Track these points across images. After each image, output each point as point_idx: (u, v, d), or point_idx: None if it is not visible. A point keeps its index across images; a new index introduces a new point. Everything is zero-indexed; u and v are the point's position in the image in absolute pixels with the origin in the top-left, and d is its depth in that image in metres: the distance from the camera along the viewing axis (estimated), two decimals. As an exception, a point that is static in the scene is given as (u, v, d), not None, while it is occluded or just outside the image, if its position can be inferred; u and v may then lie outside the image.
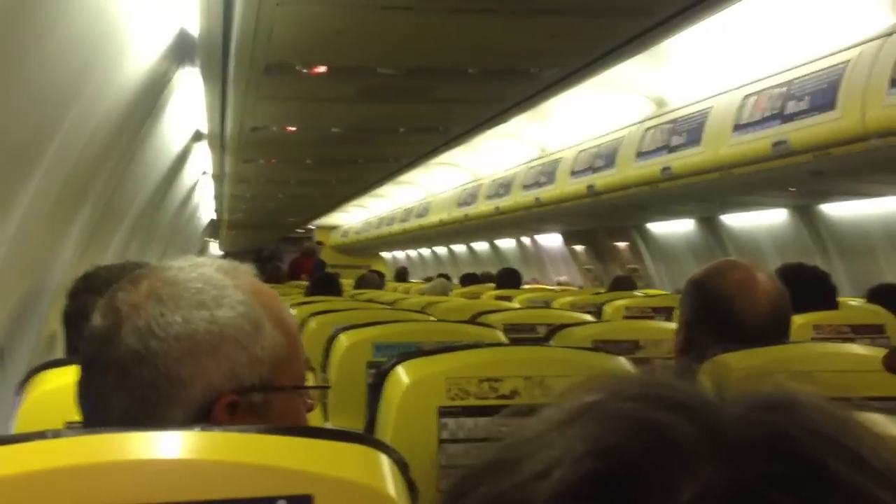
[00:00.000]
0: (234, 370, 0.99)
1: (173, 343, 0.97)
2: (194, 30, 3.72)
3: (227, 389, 0.99)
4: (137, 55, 3.32)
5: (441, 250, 15.38)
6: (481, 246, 13.18)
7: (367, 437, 0.97)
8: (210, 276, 1.02)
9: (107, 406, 0.98)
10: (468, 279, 8.19)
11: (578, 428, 0.36)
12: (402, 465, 0.91)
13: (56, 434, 0.85)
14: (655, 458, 0.34)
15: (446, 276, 9.92)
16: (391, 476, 0.88)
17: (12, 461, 0.80)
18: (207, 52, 3.96)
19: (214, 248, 21.67)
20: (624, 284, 6.33)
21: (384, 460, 0.89)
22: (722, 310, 1.75)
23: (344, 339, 2.34)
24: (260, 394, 1.01)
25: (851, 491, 0.33)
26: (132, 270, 1.07)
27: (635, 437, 0.35)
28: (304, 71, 4.33)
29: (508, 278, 6.93)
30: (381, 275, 8.33)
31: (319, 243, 12.80)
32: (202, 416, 0.97)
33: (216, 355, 0.98)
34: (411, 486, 0.90)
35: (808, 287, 3.06)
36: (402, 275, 11.44)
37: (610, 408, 0.37)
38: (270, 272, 8.79)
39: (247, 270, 1.09)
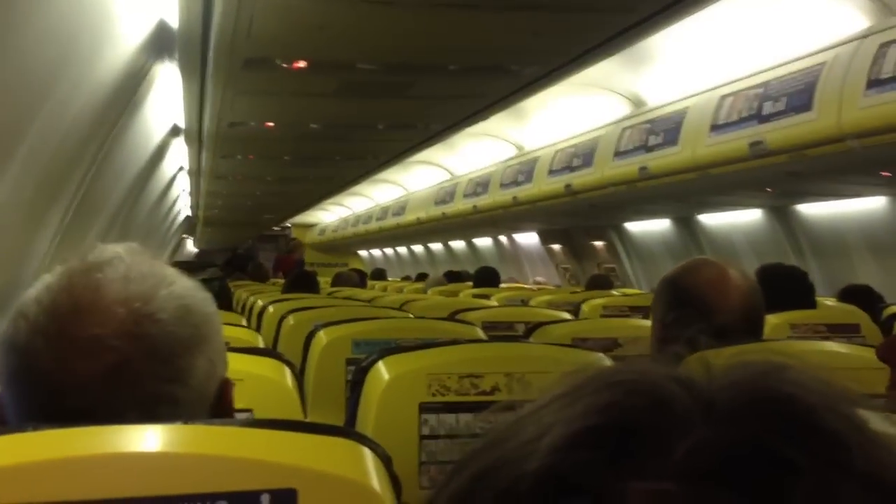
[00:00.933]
0: (224, 356, 1.00)
1: (196, 353, 0.93)
2: (173, 22, 3.69)
3: (224, 373, 0.99)
4: (115, 47, 3.30)
5: (418, 249, 15.38)
6: (459, 245, 13.20)
7: (351, 431, 0.97)
8: (154, 272, 0.95)
9: None
10: (451, 276, 8.16)
11: (574, 398, 0.36)
12: (385, 460, 0.91)
13: (37, 427, 0.84)
14: (653, 416, 0.34)
15: (425, 276, 9.94)
16: (375, 470, 0.87)
17: (-8, 454, 0.79)
18: (186, 44, 3.93)
19: (190, 245, 21.55)
20: (601, 283, 6.35)
21: (368, 454, 0.89)
22: (695, 307, 1.76)
23: (323, 336, 2.33)
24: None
25: (846, 442, 0.34)
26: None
27: (632, 397, 0.35)
28: (284, 66, 4.31)
29: (486, 277, 6.70)
30: (362, 273, 8.23)
31: (294, 240, 12.48)
32: (217, 408, 0.96)
33: (218, 350, 0.97)
34: (395, 481, 0.90)
35: (786, 287, 3.09)
36: (378, 275, 11.41)
37: (604, 381, 0.37)
38: (254, 271, 8.73)
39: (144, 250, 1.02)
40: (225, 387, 0.98)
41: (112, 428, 0.83)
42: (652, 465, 0.33)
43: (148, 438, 0.83)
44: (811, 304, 3.18)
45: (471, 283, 6.80)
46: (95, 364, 0.88)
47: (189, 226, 17.53)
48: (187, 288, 0.96)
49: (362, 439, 0.91)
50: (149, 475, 0.79)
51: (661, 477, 0.32)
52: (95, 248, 0.96)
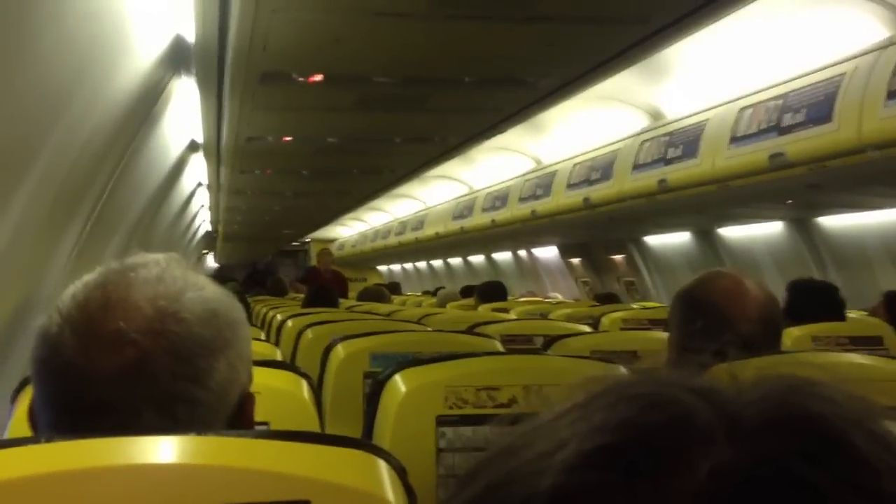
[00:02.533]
0: (249, 367, 1.00)
1: (218, 356, 0.94)
2: (190, 37, 3.71)
3: (248, 386, 0.99)
4: (132, 62, 3.32)
5: (437, 263, 15.37)
6: (478, 259, 13.18)
7: (365, 442, 0.96)
8: (187, 277, 0.97)
9: None
10: (467, 292, 8.12)
11: (590, 410, 0.35)
12: (400, 471, 0.89)
13: (49, 439, 0.84)
14: (671, 433, 0.33)
15: (436, 290, 9.93)
16: (390, 482, 0.86)
17: (6, 466, 0.78)
18: (203, 59, 3.95)
19: (210, 260, 21.66)
20: (609, 300, 6.34)
21: (383, 466, 0.88)
22: (712, 317, 1.74)
23: (340, 350, 2.32)
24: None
25: (875, 465, 0.32)
26: None
27: (650, 413, 0.34)
28: (300, 80, 4.32)
29: (491, 292, 6.21)
30: (391, 287, 8.14)
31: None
32: (236, 418, 0.96)
33: (241, 357, 0.97)
34: (410, 492, 0.89)
35: (817, 301, 3.08)
36: (394, 289, 11.41)
37: (622, 393, 0.35)
38: (273, 286, 8.73)
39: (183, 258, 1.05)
40: (247, 399, 0.98)
41: (126, 439, 0.82)
42: (668, 487, 0.31)
43: (162, 449, 0.82)
44: (841, 319, 3.17)
45: (467, 301, 6.46)
46: (116, 357, 0.89)
47: (209, 241, 17.62)
48: (217, 293, 0.98)
49: (377, 451, 0.90)
50: (163, 486, 0.79)
51: (678, 501, 0.31)
52: (137, 255, 0.99)
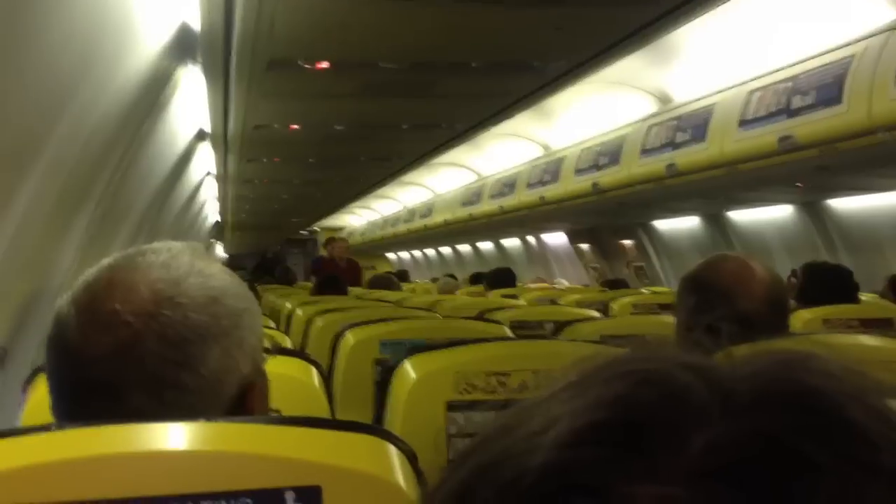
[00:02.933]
0: (254, 356, 0.98)
1: (211, 343, 0.93)
2: (196, 24, 3.70)
3: (252, 377, 0.98)
4: (138, 51, 3.31)
5: (446, 250, 15.37)
6: (487, 246, 13.17)
7: (376, 427, 0.95)
8: (195, 263, 0.97)
9: None
10: (476, 279, 8.11)
11: (583, 388, 0.34)
12: (410, 456, 0.89)
13: (60, 427, 0.84)
14: (665, 409, 0.32)
15: (452, 277, 9.90)
16: (400, 466, 0.86)
17: (17, 454, 0.79)
18: (209, 47, 3.95)
19: (219, 250, 21.70)
20: (617, 286, 6.34)
21: (393, 451, 0.88)
22: (719, 300, 1.74)
23: (350, 337, 2.32)
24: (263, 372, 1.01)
25: (873, 439, 0.31)
26: None
27: (643, 389, 0.33)
28: (307, 66, 4.32)
29: (500, 278, 6.26)
30: (398, 275, 8.11)
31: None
32: (235, 409, 0.95)
33: (241, 346, 0.96)
34: (420, 477, 0.89)
35: (831, 284, 3.07)
36: (402, 276, 11.39)
37: (615, 370, 0.35)
38: (281, 275, 8.74)
39: (202, 247, 1.05)
40: (248, 390, 0.97)
41: (137, 426, 0.83)
42: (662, 464, 0.31)
43: (172, 436, 0.83)
44: (855, 303, 3.16)
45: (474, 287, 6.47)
46: (108, 338, 0.91)
47: (218, 231, 17.64)
48: (225, 282, 0.97)
49: (387, 436, 0.90)
50: (173, 473, 0.79)
51: (672, 477, 0.30)
52: (156, 243, 1.00)
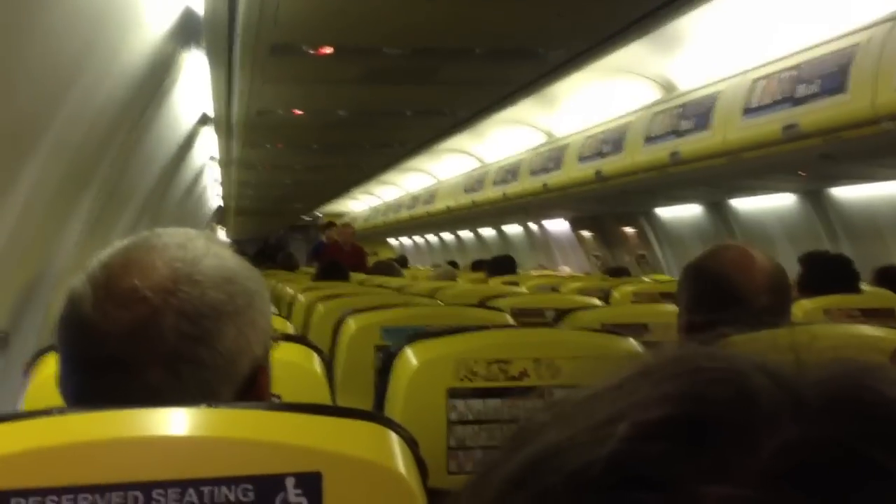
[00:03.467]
0: (265, 339, 1.00)
1: (227, 321, 0.95)
2: (199, 9, 3.69)
3: (262, 358, 1.00)
4: (141, 35, 3.30)
5: (448, 237, 15.37)
6: (489, 232, 13.17)
7: (376, 414, 0.96)
8: (210, 246, 0.99)
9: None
10: (478, 266, 8.11)
11: (651, 382, 0.34)
12: (411, 443, 0.90)
13: (62, 411, 0.84)
14: (735, 408, 0.32)
15: (454, 263, 9.89)
16: (401, 453, 0.86)
17: (19, 438, 0.79)
18: (213, 31, 3.94)
19: (222, 235, 21.70)
20: (619, 275, 6.34)
21: (393, 438, 0.88)
22: (722, 290, 1.73)
23: (352, 323, 2.32)
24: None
25: None
26: None
27: (715, 387, 0.33)
28: (311, 52, 4.31)
29: (501, 266, 6.24)
30: (398, 261, 8.08)
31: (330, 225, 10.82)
32: (246, 390, 0.97)
33: (254, 326, 0.98)
34: (421, 464, 0.89)
35: (831, 274, 3.06)
36: (402, 262, 11.38)
37: (684, 366, 0.34)
38: (283, 261, 8.72)
39: (205, 233, 1.08)
40: (260, 372, 0.99)
41: (138, 411, 0.83)
42: (733, 464, 0.30)
43: (172, 421, 0.83)
44: (856, 292, 3.15)
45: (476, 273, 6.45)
46: (127, 314, 0.92)
47: (221, 216, 17.65)
48: (237, 264, 1.00)
49: (387, 423, 0.90)
50: (173, 459, 0.79)
51: (741, 478, 0.30)
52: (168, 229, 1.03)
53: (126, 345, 0.92)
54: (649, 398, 0.33)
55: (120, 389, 0.90)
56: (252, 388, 0.97)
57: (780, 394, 0.32)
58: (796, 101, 4.28)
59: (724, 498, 0.29)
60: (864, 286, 4.10)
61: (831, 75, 4.07)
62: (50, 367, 1.36)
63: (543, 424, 0.35)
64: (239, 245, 20.01)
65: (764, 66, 4.66)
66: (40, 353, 1.42)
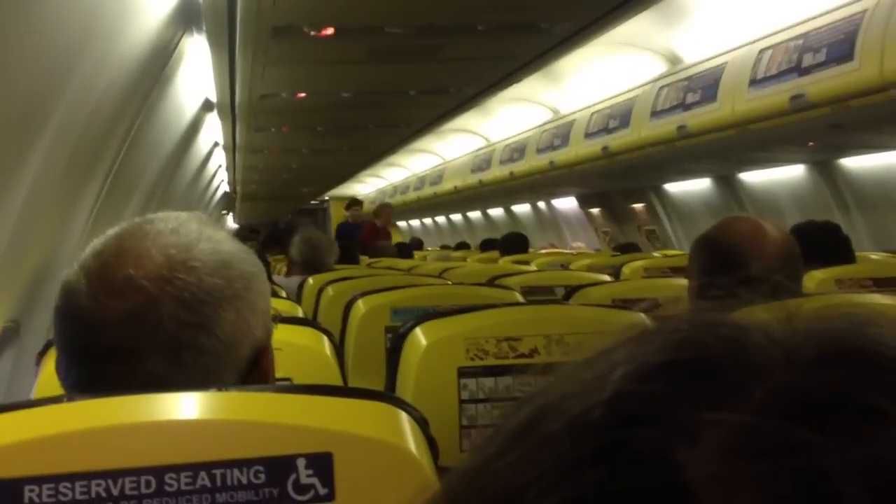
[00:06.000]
0: (265, 321, 1.00)
1: (226, 306, 0.94)
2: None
3: (264, 341, 0.99)
4: (141, 20, 3.29)
5: (456, 217, 15.36)
6: (497, 212, 13.15)
7: (386, 394, 0.96)
8: (203, 230, 0.98)
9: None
10: (487, 245, 8.10)
11: (648, 338, 0.34)
12: (421, 422, 0.89)
13: (72, 398, 0.84)
14: (729, 355, 0.32)
15: (465, 244, 9.85)
16: (411, 432, 0.86)
17: (31, 426, 0.79)
18: (213, 15, 3.92)
19: (230, 220, 21.74)
20: (629, 250, 6.32)
21: (404, 417, 0.88)
22: (732, 261, 1.73)
23: (361, 305, 2.32)
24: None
25: None
26: None
27: (708, 336, 0.33)
28: (312, 33, 4.29)
29: (514, 243, 6.21)
30: (416, 245, 7.95)
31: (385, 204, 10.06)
32: (249, 372, 0.96)
33: (254, 309, 0.97)
34: (432, 443, 0.89)
35: (821, 242, 3.03)
36: (417, 245, 11.32)
37: (680, 321, 0.35)
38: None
39: (206, 217, 1.06)
40: (262, 353, 0.98)
41: (146, 397, 0.83)
42: (728, 403, 0.31)
43: (183, 405, 0.83)
44: (849, 257, 3.12)
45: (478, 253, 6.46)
46: (124, 302, 0.91)
47: (228, 202, 17.67)
48: (233, 247, 0.99)
49: (397, 402, 0.90)
50: (184, 442, 0.79)
51: (738, 413, 0.30)
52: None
53: (124, 335, 0.91)
54: (646, 350, 0.34)
55: (122, 380, 0.90)
56: (255, 371, 0.97)
57: (773, 346, 0.33)
58: (803, 71, 4.25)
59: (724, 423, 0.30)
60: (876, 256, 4.08)
61: (838, 43, 4.04)
62: (61, 356, 1.37)
63: (546, 386, 0.35)
64: (247, 230, 20.03)
65: (770, 36, 4.63)
66: (52, 343, 1.42)
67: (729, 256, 1.74)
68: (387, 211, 9.25)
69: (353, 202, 10.53)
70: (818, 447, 0.29)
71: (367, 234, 8.57)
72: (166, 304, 0.91)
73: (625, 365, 0.33)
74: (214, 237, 0.98)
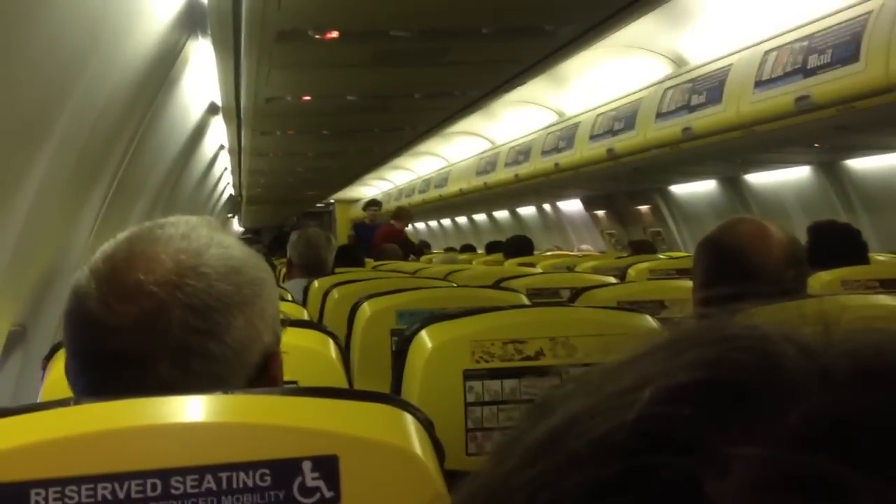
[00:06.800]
0: (274, 326, 0.99)
1: (236, 312, 0.94)
2: (203, -4, 3.68)
3: (274, 346, 0.99)
4: (146, 23, 3.30)
5: (462, 220, 15.36)
6: (502, 214, 13.15)
7: (392, 397, 0.95)
8: (214, 235, 0.98)
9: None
10: (492, 248, 8.09)
11: (677, 350, 0.33)
12: (427, 425, 0.89)
13: (78, 401, 0.84)
14: (763, 374, 0.31)
15: (470, 247, 9.84)
16: (417, 435, 0.86)
17: (37, 429, 0.79)
18: (218, 19, 3.93)
19: (235, 224, 21.76)
20: (643, 248, 6.30)
21: (409, 420, 0.88)
22: (736, 263, 1.72)
23: (367, 308, 2.32)
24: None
25: None
26: None
27: (739, 354, 0.32)
28: (317, 37, 4.29)
29: (518, 246, 6.18)
30: (425, 247, 7.96)
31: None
32: (258, 378, 0.96)
33: (263, 315, 0.97)
34: (437, 446, 0.89)
35: (838, 244, 3.03)
36: (425, 247, 11.32)
37: (711, 335, 0.33)
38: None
39: (217, 221, 1.06)
40: (271, 359, 0.98)
41: (154, 399, 0.83)
42: (761, 429, 0.29)
43: (189, 408, 0.83)
44: (864, 261, 3.12)
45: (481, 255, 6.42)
46: (133, 308, 0.91)
47: (234, 205, 17.68)
48: (243, 252, 0.99)
49: (403, 405, 0.90)
50: (190, 445, 0.79)
51: (770, 442, 0.29)
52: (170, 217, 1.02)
53: (133, 340, 0.91)
54: (675, 365, 0.32)
55: (131, 385, 0.90)
56: (263, 376, 0.97)
57: (808, 363, 0.31)
58: (808, 73, 4.25)
59: (753, 458, 0.28)
60: (881, 257, 4.07)
61: (844, 45, 4.03)
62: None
63: (567, 395, 0.34)
64: (253, 234, 20.03)
65: (775, 37, 4.62)
66: (58, 347, 1.43)
67: (733, 258, 1.74)
68: (406, 213, 9.20)
69: (372, 203, 10.45)
70: (854, 484, 0.27)
71: (383, 236, 8.50)
72: (176, 309, 0.91)
73: (653, 382, 0.32)
74: (224, 242, 0.98)
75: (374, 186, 17.26)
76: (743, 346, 0.32)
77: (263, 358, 0.97)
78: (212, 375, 0.91)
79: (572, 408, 0.33)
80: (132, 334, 0.91)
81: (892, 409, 0.29)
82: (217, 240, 0.97)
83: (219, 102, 6.39)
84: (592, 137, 6.87)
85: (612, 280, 3.35)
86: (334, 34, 4.31)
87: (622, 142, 6.32)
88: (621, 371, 0.34)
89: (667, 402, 0.31)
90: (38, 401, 1.30)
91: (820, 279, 2.73)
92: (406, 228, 9.05)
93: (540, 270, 4.53)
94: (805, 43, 4.32)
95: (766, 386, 0.31)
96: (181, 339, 0.91)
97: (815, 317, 0.34)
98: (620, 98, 6.51)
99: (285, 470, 0.79)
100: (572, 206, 10.64)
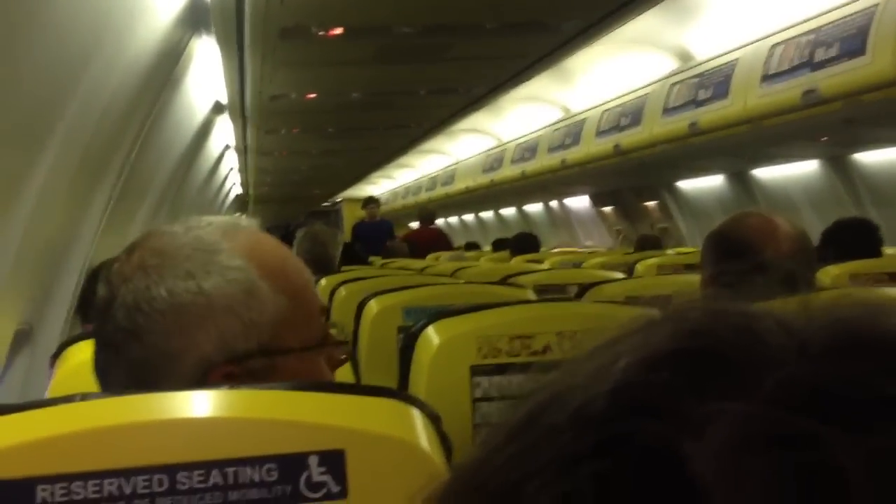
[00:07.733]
0: (225, 340, 0.96)
1: (159, 318, 0.94)
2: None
3: (220, 360, 0.96)
4: (150, 22, 3.29)
5: (469, 218, 15.35)
6: (509, 212, 13.14)
7: (398, 392, 0.95)
8: (203, 239, 0.98)
9: (106, 381, 0.98)
10: (499, 245, 8.08)
11: (655, 327, 0.33)
12: (434, 419, 0.89)
13: (84, 397, 0.84)
14: (741, 344, 0.31)
15: (475, 245, 9.84)
16: (424, 429, 0.86)
17: (43, 425, 0.79)
18: (222, 17, 3.93)
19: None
20: (650, 243, 6.27)
21: (416, 414, 0.87)
22: (744, 256, 1.72)
23: (374, 305, 2.31)
24: (260, 359, 0.97)
25: None
26: None
27: (719, 324, 0.32)
28: (321, 34, 4.30)
29: (524, 244, 6.18)
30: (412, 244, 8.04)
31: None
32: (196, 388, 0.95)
33: (205, 327, 0.95)
34: (445, 440, 0.88)
35: (854, 240, 3.03)
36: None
37: (691, 309, 0.34)
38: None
39: (249, 228, 1.05)
40: (210, 372, 0.95)
41: (157, 395, 0.82)
42: (738, 394, 0.29)
43: (195, 403, 0.82)
44: (877, 256, 3.12)
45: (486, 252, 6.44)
46: (101, 291, 0.99)
47: (241, 204, 17.71)
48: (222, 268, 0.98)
49: (410, 400, 0.89)
50: (196, 440, 0.79)
51: (747, 404, 0.29)
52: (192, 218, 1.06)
53: (97, 322, 0.99)
54: (653, 338, 0.32)
55: (99, 365, 0.98)
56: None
57: (787, 337, 0.32)
58: (815, 66, 4.24)
59: (732, 415, 0.29)
60: (891, 251, 4.05)
61: (850, 38, 4.01)
62: (75, 356, 1.37)
63: (548, 380, 0.34)
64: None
65: (781, 31, 4.61)
66: (65, 345, 1.43)
67: (741, 251, 1.73)
68: (433, 214, 9.45)
69: (370, 200, 10.56)
70: (828, 439, 0.28)
71: (429, 237, 8.70)
72: (117, 303, 0.96)
73: (629, 354, 0.32)
74: (221, 243, 1.00)
75: (381, 185, 17.28)
76: (722, 320, 0.32)
77: (202, 371, 0.95)
78: (132, 376, 0.95)
79: (553, 388, 0.33)
80: (100, 316, 0.99)
81: (865, 379, 0.29)
82: (205, 245, 0.98)
83: (224, 101, 6.39)
84: (599, 133, 6.86)
85: (620, 275, 3.35)
86: (338, 31, 4.32)
87: (629, 137, 6.31)
88: (600, 350, 0.34)
89: (643, 370, 0.31)
90: (47, 397, 1.31)
91: (829, 273, 2.72)
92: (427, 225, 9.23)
93: (547, 267, 4.53)
94: (812, 36, 4.31)
95: (743, 355, 0.31)
96: (111, 333, 0.96)
97: (794, 300, 0.34)
98: (627, 94, 6.50)
99: (292, 464, 0.78)
100: (580, 202, 10.64)
